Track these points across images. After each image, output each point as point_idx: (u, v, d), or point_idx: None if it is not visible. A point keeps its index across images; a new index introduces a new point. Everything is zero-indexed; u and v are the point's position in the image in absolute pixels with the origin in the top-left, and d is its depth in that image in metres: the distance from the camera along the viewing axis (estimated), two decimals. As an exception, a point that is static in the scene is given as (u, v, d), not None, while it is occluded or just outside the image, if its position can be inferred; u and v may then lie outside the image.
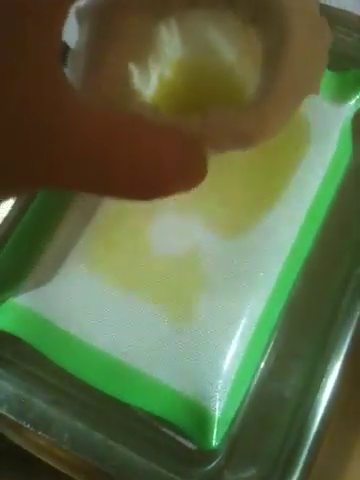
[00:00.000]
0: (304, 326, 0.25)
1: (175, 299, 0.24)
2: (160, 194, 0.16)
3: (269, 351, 0.24)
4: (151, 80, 0.20)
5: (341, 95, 0.28)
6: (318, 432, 0.23)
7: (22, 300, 0.25)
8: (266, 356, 0.24)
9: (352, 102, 0.28)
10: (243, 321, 0.24)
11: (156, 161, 0.15)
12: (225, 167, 0.26)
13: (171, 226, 0.25)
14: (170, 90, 0.21)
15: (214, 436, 0.22)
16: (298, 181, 0.26)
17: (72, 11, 0.16)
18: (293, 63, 0.17)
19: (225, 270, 0.24)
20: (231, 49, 0.20)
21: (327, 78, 0.28)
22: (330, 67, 0.28)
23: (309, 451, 0.23)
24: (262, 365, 0.24)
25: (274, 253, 0.25)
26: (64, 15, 0.15)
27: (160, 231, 0.25)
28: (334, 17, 0.30)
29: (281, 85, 0.17)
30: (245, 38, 0.19)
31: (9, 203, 0.28)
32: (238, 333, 0.23)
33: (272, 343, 0.25)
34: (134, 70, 0.19)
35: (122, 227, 0.26)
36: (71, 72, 0.18)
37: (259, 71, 0.18)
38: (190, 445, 0.23)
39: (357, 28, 0.29)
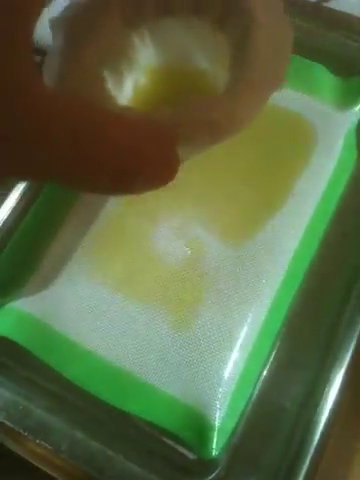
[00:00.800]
0: (306, 335, 0.25)
1: (176, 306, 0.24)
2: (130, 187, 0.15)
3: (271, 360, 0.24)
4: (125, 86, 0.21)
5: (346, 101, 0.27)
6: (319, 442, 0.23)
7: (22, 305, 0.24)
8: (267, 365, 0.24)
9: (357, 108, 0.27)
10: (244, 329, 0.23)
11: (132, 150, 0.14)
12: (228, 174, 0.26)
13: (173, 233, 0.25)
14: (144, 96, 0.21)
15: (214, 445, 0.22)
16: (302, 187, 0.26)
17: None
18: (259, 56, 0.18)
19: (227, 278, 0.24)
20: (202, 55, 0.21)
21: (332, 84, 0.28)
22: (335, 72, 0.28)
23: (310, 461, 0.22)
24: (263, 374, 0.24)
25: (276, 261, 0.25)
26: (39, 4, 0.14)
27: (162, 238, 0.25)
28: (339, 21, 0.30)
29: (248, 78, 0.17)
30: (214, 43, 0.20)
31: (8, 206, 0.27)
32: (239, 341, 0.23)
33: (274, 352, 0.24)
34: (108, 77, 0.19)
35: (123, 233, 0.25)
36: (45, 79, 0.18)
37: (229, 72, 0.18)
38: (190, 455, 0.23)
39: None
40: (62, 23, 0.19)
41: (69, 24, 0.19)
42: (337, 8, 0.31)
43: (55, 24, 0.19)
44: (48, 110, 0.13)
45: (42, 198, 0.28)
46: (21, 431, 0.22)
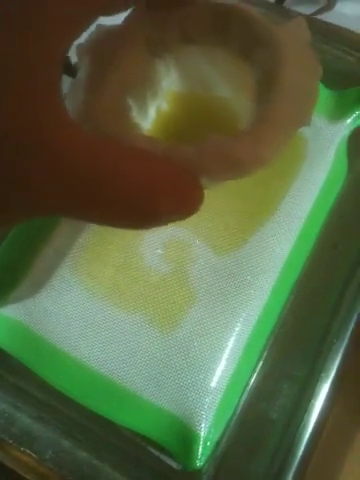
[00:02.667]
0: (294, 346, 0.25)
1: (164, 316, 0.24)
2: (153, 224, 0.15)
3: (258, 370, 0.24)
4: (149, 113, 0.21)
5: (338, 114, 0.28)
6: (305, 453, 0.23)
7: (9, 312, 0.24)
8: (255, 376, 0.24)
9: (348, 121, 0.28)
10: (232, 340, 0.23)
11: (148, 191, 0.15)
12: (219, 184, 0.26)
13: (162, 240, 0.25)
14: (167, 123, 0.21)
15: (199, 456, 0.22)
16: (292, 198, 0.26)
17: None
18: (285, 95, 0.17)
19: (215, 288, 0.24)
20: (225, 83, 0.21)
21: (324, 96, 0.28)
22: (328, 85, 0.28)
23: (295, 473, 0.22)
24: (250, 384, 0.24)
25: (266, 272, 0.25)
26: (73, 34, 0.15)
27: (151, 245, 0.25)
28: (334, 35, 0.30)
29: (274, 115, 0.17)
30: (238, 72, 0.19)
31: None
32: (227, 351, 0.23)
33: (261, 363, 0.24)
34: (132, 104, 0.19)
35: (113, 240, 0.26)
36: (70, 105, 0.18)
37: (253, 104, 0.18)
38: (175, 465, 0.23)
39: (358, 47, 0.29)
40: (88, 49, 0.19)
41: (94, 50, 0.19)
42: (331, 21, 0.31)
43: (81, 50, 0.19)
44: (74, 151, 0.14)
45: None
46: (6, 439, 0.22)
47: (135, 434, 0.23)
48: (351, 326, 0.24)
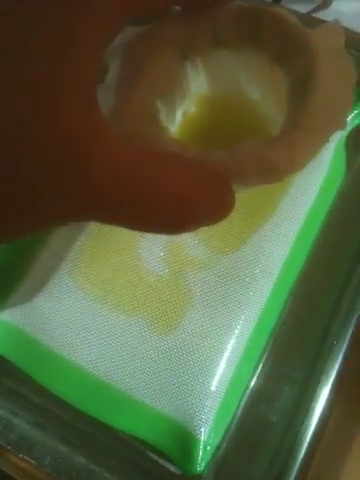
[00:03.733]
0: (294, 348, 0.24)
1: (163, 319, 0.24)
2: (187, 229, 0.16)
3: (257, 373, 0.24)
4: (176, 117, 0.20)
5: (335, 113, 0.27)
6: (306, 456, 0.22)
7: (6, 317, 0.24)
8: (255, 378, 0.24)
9: (347, 120, 0.27)
10: (231, 342, 0.23)
11: (184, 198, 0.15)
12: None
13: (160, 242, 0.25)
14: (194, 127, 0.21)
15: (199, 461, 0.22)
16: (291, 198, 0.26)
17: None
18: (320, 99, 0.17)
19: (214, 290, 0.24)
20: (256, 87, 0.21)
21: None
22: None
23: (296, 476, 0.22)
24: (250, 387, 0.24)
25: (265, 271, 0.24)
26: (110, 37, 0.15)
27: (149, 247, 0.25)
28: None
29: (308, 123, 0.17)
30: (270, 76, 0.19)
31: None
32: (226, 354, 0.23)
33: (261, 365, 0.24)
34: (161, 107, 0.19)
35: (110, 243, 0.25)
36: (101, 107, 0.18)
37: (284, 108, 0.18)
38: (175, 470, 0.22)
39: (355, 45, 0.29)
40: (118, 52, 0.19)
41: (125, 53, 0.19)
42: (327, 19, 0.31)
43: (112, 52, 0.19)
44: (118, 164, 0.14)
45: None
46: (4, 444, 0.22)
47: (134, 439, 0.23)
48: (351, 328, 0.24)
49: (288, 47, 0.18)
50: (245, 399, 0.24)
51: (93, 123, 0.14)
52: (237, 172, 0.16)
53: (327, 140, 0.18)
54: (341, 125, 0.18)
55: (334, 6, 0.35)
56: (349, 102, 0.18)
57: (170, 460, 0.22)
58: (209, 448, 0.22)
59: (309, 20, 0.32)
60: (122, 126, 0.17)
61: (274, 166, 0.16)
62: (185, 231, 0.16)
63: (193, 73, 0.20)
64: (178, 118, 0.21)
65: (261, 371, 0.24)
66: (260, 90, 0.21)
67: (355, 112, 0.27)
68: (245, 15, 0.18)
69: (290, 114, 0.18)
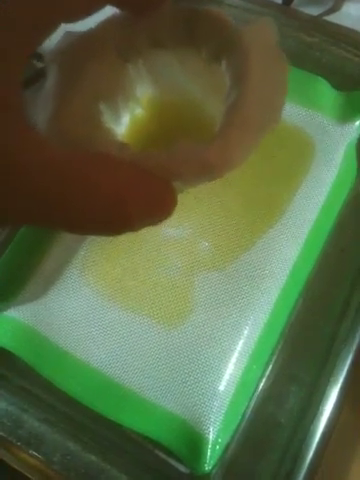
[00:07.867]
0: (303, 350, 0.24)
1: (171, 318, 0.24)
2: (126, 228, 0.16)
3: (267, 374, 0.24)
4: (122, 118, 0.21)
5: (346, 115, 0.27)
6: (314, 457, 0.22)
7: (16, 314, 0.24)
8: (264, 379, 0.24)
9: (357, 122, 0.27)
10: (241, 343, 0.23)
11: (117, 197, 0.15)
12: (226, 186, 0.26)
13: (168, 243, 0.25)
14: (141, 127, 0.21)
15: (207, 460, 0.22)
16: (301, 200, 0.26)
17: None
18: (254, 95, 0.17)
19: (223, 290, 0.24)
20: (197, 87, 0.21)
21: (333, 98, 0.28)
22: (336, 86, 0.28)
23: (304, 477, 0.22)
24: (259, 388, 0.24)
25: (274, 273, 0.25)
26: (33, 47, 0.15)
27: (158, 246, 0.25)
28: (342, 36, 0.30)
29: (243, 117, 0.17)
30: (210, 75, 0.20)
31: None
32: (235, 354, 0.23)
33: (270, 366, 0.24)
34: (104, 109, 0.19)
35: (120, 241, 0.25)
36: (40, 113, 0.18)
37: (223, 107, 0.18)
38: (183, 469, 0.22)
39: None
40: (57, 56, 0.19)
41: (63, 58, 0.19)
42: (338, 22, 0.31)
43: (50, 57, 0.19)
44: (42, 166, 0.14)
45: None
46: (13, 441, 0.22)
47: (143, 437, 0.23)
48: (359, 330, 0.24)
49: (222, 46, 0.18)
50: (254, 400, 0.24)
51: (14, 129, 0.14)
52: (174, 172, 0.16)
53: (263, 136, 0.18)
54: (276, 121, 0.18)
55: (345, 9, 0.35)
56: (283, 97, 0.18)
57: (179, 459, 0.22)
58: (218, 448, 0.22)
59: (320, 23, 0.32)
60: (61, 129, 0.17)
61: (209, 165, 0.16)
62: (126, 231, 0.16)
63: (136, 75, 0.20)
64: (125, 121, 0.21)
65: (270, 372, 0.24)
66: (203, 90, 0.21)
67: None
68: (181, 15, 0.19)
69: (227, 111, 0.18)
